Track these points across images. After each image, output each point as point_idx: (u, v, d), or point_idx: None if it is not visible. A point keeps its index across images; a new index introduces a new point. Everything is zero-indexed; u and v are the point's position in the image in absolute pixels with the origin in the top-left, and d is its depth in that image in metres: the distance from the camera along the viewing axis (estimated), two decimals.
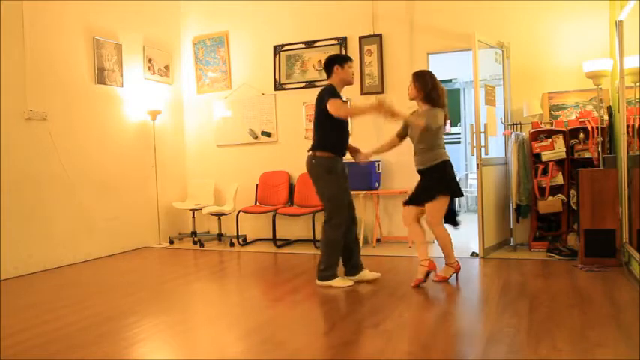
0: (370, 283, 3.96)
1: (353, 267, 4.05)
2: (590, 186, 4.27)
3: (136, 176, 6.08)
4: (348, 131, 4.09)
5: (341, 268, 4.02)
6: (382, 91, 5.76)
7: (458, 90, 8.81)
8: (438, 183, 3.82)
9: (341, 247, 3.91)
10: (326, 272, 3.89)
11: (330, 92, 3.85)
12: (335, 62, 3.96)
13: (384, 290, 3.76)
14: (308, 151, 3.99)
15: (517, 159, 4.95)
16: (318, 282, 3.93)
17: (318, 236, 4.81)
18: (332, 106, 3.73)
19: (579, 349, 2.48)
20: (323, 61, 4.21)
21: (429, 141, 3.82)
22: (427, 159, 3.84)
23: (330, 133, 3.89)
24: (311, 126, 4.30)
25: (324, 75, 4.08)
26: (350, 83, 4.06)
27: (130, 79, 6.00)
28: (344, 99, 4.06)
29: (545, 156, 4.89)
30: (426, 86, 3.81)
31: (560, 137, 4.86)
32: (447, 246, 3.90)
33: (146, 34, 6.27)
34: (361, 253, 4.14)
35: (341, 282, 3.89)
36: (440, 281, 3.88)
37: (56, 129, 5.08)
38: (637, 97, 3.91)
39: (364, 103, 3.87)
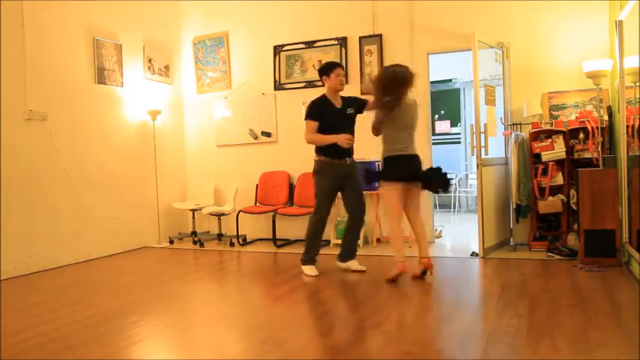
0: (370, 283, 3.97)
1: (342, 255, 4.43)
2: (590, 186, 4.27)
3: (136, 176, 6.08)
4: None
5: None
6: None
7: (458, 90, 8.81)
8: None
9: (318, 237, 4.34)
10: (304, 256, 4.37)
11: (308, 111, 4.25)
12: (322, 73, 4.29)
13: (384, 290, 3.76)
14: None
15: (517, 159, 4.95)
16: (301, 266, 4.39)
17: None
18: (305, 129, 4.23)
19: (579, 349, 2.48)
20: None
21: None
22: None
23: None
24: None
25: None
26: (338, 90, 4.29)
27: (130, 79, 6.00)
28: (349, 111, 4.26)
29: (545, 156, 4.88)
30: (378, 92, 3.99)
31: (560, 137, 4.86)
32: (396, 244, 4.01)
33: (146, 34, 6.27)
34: (362, 253, 4.42)
35: (308, 270, 4.31)
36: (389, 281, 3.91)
37: (56, 129, 5.07)
38: (637, 97, 3.91)
39: (330, 136, 4.15)
